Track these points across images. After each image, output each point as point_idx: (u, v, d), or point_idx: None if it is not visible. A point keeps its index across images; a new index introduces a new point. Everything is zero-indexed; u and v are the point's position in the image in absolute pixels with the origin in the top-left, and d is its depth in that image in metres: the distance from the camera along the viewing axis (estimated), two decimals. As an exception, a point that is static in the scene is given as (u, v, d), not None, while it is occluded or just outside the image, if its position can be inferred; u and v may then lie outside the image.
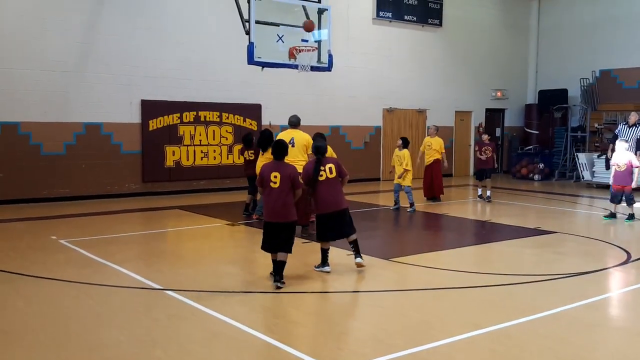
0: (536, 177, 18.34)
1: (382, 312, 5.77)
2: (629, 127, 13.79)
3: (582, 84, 18.79)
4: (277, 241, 6.38)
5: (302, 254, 7.86)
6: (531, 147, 19.67)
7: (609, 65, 18.81)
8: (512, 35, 20.60)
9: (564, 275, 6.87)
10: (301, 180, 6.61)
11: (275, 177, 6.34)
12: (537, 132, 20.13)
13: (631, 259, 7.70)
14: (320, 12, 11.68)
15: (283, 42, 11.15)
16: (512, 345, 4.85)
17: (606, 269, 7.04)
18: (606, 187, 14.76)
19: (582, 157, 16.98)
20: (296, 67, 11.19)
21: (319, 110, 16.23)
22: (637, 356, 4.71)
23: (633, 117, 13.85)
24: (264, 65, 11.01)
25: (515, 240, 8.96)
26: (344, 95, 16.64)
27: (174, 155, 13.97)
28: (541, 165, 18.43)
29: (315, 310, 5.75)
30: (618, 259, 7.51)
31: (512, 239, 9.06)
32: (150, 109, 13.61)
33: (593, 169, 16.58)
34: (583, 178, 17.00)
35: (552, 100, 19.57)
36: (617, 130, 13.99)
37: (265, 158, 9.27)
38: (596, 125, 17.96)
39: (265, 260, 8.07)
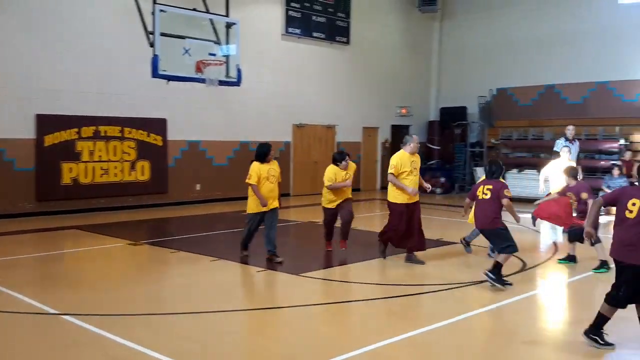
0: (438, 190, 19.08)
1: (291, 328, 5.75)
2: (570, 142, 12.53)
3: (480, 102, 19.83)
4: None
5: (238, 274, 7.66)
6: (433, 162, 20.47)
7: (505, 84, 20.00)
8: (415, 55, 21.44)
9: (464, 284, 7.15)
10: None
11: (634, 204, 4.88)
12: (438, 147, 21.00)
13: (526, 267, 8.16)
14: (228, 26, 11.62)
15: (190, 55, 10.97)
16: (417, 354, 4.97)
17: (504, 277, 7.39)
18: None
19: (479, 171, 17.84)
20: (204, 81, 11.02)
21: (229, 125, 16.05)
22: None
23: (573, 131, 12.68)
24: (170, 78, 10.76)
25: (419, 252, 9.22)
26: (254, 111, 16.58)
27: (71, 172, 13.24)
28: (443, 179, 19.22)
29: (224, 330, 5.61)
30: (514, 268, 7.91)
31: (415, 251, 9.31)
32: (46, 123, 12.85)
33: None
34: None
35: (452, 117, 20.52)
36: (557, 147, 12.52)
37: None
38: (492, 140, 19.00)
39: (171, 280, 7.83)
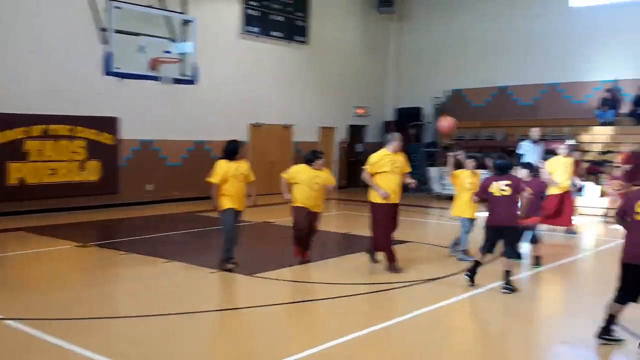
0: (395, 190, 19.22)
1: (246, 329, 5.69)
2: (535, 144, 12.62)
3: (435, 103, 20.11)
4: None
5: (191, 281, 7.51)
6: (390, 161, 20.57)
7: (459, 85, 20.34)
8: (373, 55, 21.56)
9: (416, 282, 7.22)
10: None
11: None
12: (395, 147, 21.15)
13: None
14: (185, 23, 11.47)
15: (144, 52, 10.78)
16: (369, 352, 4.98)
17: (454, 274, 7.51)
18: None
19: (433, 171, 18.10)
20: (158, 79, 10.86)
21: (183, 124, 15.78)
22: (484, 355, 5.04)
23: (538, 133, 12.82)
24: (123, 76, 10.59)
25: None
26: (210, 110, 16.34)
27: (18, 172, 12.78)
28: (399, 179, 19.37)
29: (177, 332, 5.50)
30: (464, 265, 8.03)
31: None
32: (-8, 122, 12.41)
33: (442, 182, 17.73)
34: (434, 190, 18.12)
35: (408, 118, 20.74)
36: (522, 150, 12.71)
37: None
38: (447, 141, 19.27)
39: (122, 283, 7.63)
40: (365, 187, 7.94)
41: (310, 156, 8.09)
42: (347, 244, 10.46)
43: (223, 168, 7.62)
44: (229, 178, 7.59)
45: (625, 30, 16.98)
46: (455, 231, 8.99)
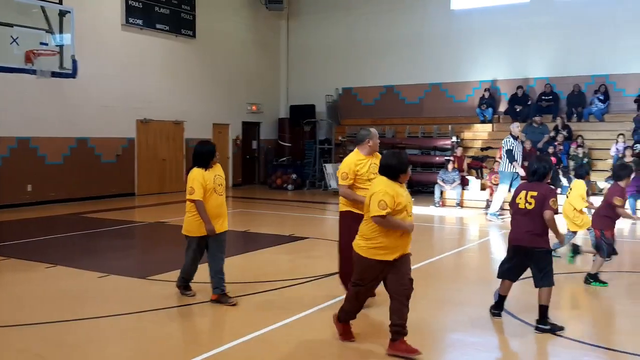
0: (290, 187, 19.36)
1: (141, 334, 5.44)
2: (518, 140, 12.09)
3: (327, 100, 20.44)
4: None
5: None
6: (284, 158, 20.73)
7: (350, 83, 20.80)
8: (264, 52, 21.49)
9: (316, 277, 7.28)
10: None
11: None
12: (289, 144, 21.31)
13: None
14: (62, 14, 10.87)
15: (18, 44, 10.15)
16: (269, 350, 4.94)
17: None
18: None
19: (329, 168, 18.40)
20: (34, 72, 10.22)
21: (64, 120, 14.81)
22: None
23: (519, 128, 12.35)
24: (-6, 69, 9.81)
25: (272, 248, 9.29)
26: (93, 105, 15.45)
27: None
28: (294, 176, 19.54)
29: (65, 341, 5.13)
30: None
31: (269, 247, 9.37)
32: None
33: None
34: (330, 186, 18.44)
35: (302, 115, 20.92)
36: (510, 146, 11.97)
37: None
38: (340, 138, 19.69)
39: (3, 290, 7.04)
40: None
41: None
42: (245, 242, 10.33)
43: (201, 179, 6.01)
44: (207, 191, 6.04)
45: (501, 33, 18.17)
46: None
